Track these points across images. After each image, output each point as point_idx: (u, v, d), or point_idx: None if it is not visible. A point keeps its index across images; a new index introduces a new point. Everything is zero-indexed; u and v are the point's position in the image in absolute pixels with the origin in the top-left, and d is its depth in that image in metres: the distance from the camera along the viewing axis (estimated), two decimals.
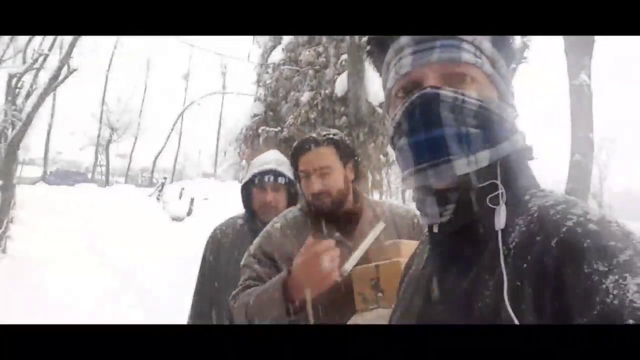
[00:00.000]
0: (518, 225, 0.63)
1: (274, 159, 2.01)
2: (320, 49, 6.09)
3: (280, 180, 1.96)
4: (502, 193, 0.66)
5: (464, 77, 0.69)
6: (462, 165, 0.66)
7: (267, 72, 8.03)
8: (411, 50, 0.72)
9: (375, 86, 5.21)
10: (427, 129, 0.67)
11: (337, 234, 1.52)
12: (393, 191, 8.53)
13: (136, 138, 31.67)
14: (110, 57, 29.97)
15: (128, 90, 37.02)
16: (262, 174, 1.94)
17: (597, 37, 6.26)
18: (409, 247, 1.25)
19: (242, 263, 1.58)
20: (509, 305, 0.57)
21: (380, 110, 5.24)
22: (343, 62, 5.86)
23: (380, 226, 1.40)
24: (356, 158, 1.62)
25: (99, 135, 30.03)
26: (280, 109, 6.88)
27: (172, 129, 27.17)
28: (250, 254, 1.59)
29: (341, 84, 5.31)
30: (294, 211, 1.67)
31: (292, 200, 2.02)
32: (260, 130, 6.59)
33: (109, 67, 29.82)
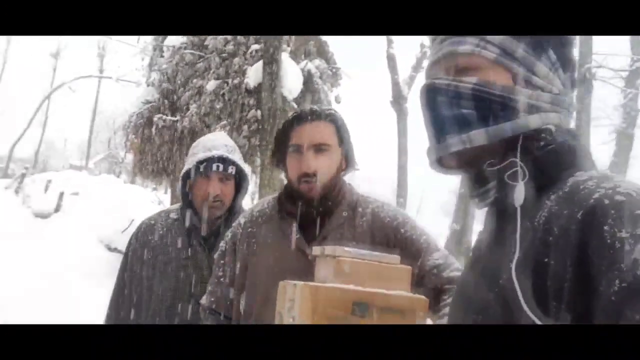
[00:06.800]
0: (550, 201, 0.65)
1: (222, 144, 1.73)
2: (229, 36, 5.65)
3: (230, 169, 1.67)
4: (520, 171, 0.69)
5: (465, 66, 0.75)
6: (456, 143, 0.72)
7: (163, 56, 7.33)
8: (433, 51, 0.81)
9: (290, 80, 4.95)
10: (429, 113, 0.76)
11: (299, 236, 1.30)
12: None
13: None
14: None
15: None
16: (209, 161, 1.64)
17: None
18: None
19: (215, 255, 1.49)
20: (514, 277, 0.60)
21: (295, 105, 4.99)
22: (253, 53, 5.50)
23: (393, 258, 1.00)
24: (350, 146, 1.38)
25: None
26: (179, 96, 6.28)
27: (35, 114, 24.09)
28: (219, 249, 1.46)
29: (254, 75, 4.95)
30: (265, 202, 1.44)
31: (239, 195, 1.76)
32: (155, 118, 5.92)
33: None
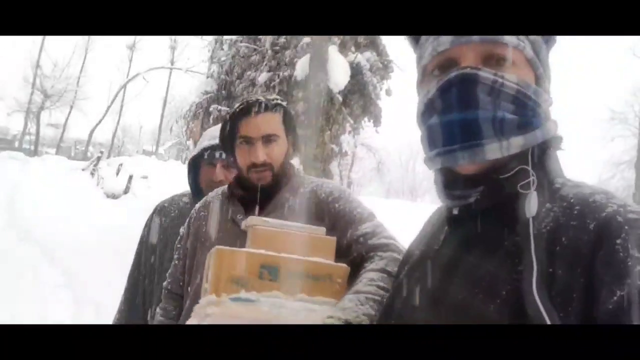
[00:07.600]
0: (553, 211, 0.62)
1: None
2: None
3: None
4: (533, 180, 0.65)
5: (504, 59, 0.67)
6: (494, 150, 0.65)
7: (222, 49, 7.67)
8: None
9: (337, 73, 5.07)
10: (462, 109, 0.66)
11: (240, 216, 1.34)
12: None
13: (71, 107, 29.66)
14: None
15: (66, 55, 34.55)
16: (213, 148, 1.74)
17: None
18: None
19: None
20: (536, 295, 0.56)
21: (340, 99, 5.11)
22: (304, 45, 5.66)
23: (317, 230, 1.10)
24: (296, 133, 1.42)
25: (30, 101, 27.89)
26: (234, 88, 6.58)
27: (112, 101, 25.77)
28: (179, 234, 1.51)
29: (302, 68, 5.11)
30: (219, 190, 1.49)
31: None
32: (211, 108, 6.26)
33: None
